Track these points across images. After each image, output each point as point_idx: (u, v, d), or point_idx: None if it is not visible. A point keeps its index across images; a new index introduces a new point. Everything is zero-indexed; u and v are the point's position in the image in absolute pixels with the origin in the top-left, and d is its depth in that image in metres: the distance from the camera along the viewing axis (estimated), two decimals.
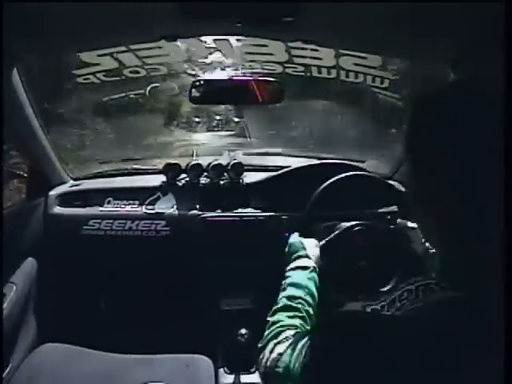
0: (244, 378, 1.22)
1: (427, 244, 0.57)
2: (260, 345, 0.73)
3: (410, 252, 0.99)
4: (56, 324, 1.39)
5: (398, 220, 1.11)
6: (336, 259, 0.97)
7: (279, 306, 0.79)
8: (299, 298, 0.80)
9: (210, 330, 1.40)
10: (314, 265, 0.90)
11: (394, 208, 1.30)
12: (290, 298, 0.80)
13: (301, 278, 0.86)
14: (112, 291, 1.58)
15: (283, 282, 0.86)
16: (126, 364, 1.16)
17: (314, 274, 0.87)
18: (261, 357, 0.70)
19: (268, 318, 0.77)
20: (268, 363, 0.66)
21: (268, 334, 0.74)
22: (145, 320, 1.53)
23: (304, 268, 0.88)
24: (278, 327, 0.73)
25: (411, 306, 0.48)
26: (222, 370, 1.24)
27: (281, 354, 0.64)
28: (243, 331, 1.27)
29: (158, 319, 1.54)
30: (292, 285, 0.84)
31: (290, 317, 0.75)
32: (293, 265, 0.90)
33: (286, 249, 0.98)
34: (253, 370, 1.23)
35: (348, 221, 1.07)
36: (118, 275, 1.52)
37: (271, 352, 0.67)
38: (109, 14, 0.83)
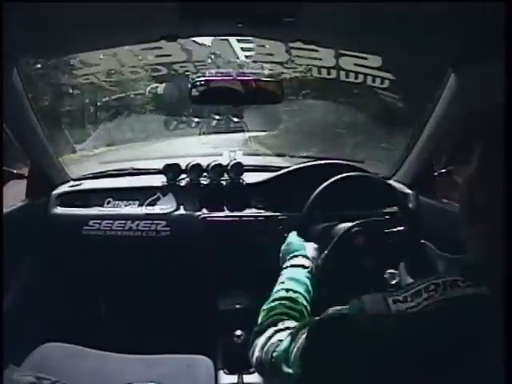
0: (244, 378, 1.23)
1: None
2: (256, 329, 0.72)
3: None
4: (56, 324, 1.39)
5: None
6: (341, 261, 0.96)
7: (277, 296, 0.78)
8: (297, 291, 0.79)
9: (210, 330, 1.40)
10: (312, 265, 0.89)
11: (395, 208, 1.30)
12: (288, 290, 0.79)
13: (300, 274, 0.85)
14: (112, 291, 1.58)
15: (281, 277, 0.85)
16: (126, 364, 1.15)
17: (311, 275, 0.87)
18: (257, 342, 0.69)
19: (264, 307, 0.76)
20: (265, 348, 0.65)
21: (265, 320, 0.72)
22: (145, 320, 1.53)
23: (303, 267, 0.88)
24: (277, 315, 0.72)
25: (439, 297, 0.46)
26: (221, 370, 1.24)
27: (281, 341, 0.63)
28: (243, 331, 1.26)
29: (157, 319, 1.54)
30: (291, 279, 0.83)
31: (287, 307, 0.74)
32: (291, 262, 0.90)
33: (284, 246, 0.98)
34: (252, 369, 1.23)
35: (347, 221, 1.07)
36: (118, 275, 1.52)
37: (270, 338, 0.66)
38: (109, 14, 0.83)
